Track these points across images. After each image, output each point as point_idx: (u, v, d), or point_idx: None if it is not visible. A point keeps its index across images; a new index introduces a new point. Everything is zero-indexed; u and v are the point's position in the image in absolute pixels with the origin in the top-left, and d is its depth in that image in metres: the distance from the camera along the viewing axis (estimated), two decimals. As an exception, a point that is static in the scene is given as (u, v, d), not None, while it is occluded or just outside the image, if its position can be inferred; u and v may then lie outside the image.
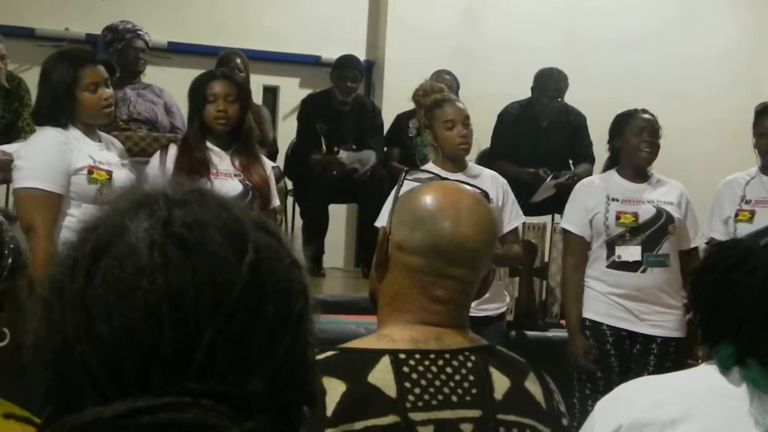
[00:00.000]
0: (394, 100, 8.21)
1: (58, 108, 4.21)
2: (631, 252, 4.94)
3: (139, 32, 6.58)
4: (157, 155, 4.82)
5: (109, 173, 4.21)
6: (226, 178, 4.60)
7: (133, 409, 0.89)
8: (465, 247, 1.79)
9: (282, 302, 0.98)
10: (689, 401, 2.14)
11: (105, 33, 6.66)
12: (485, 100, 7.79)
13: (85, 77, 4.23)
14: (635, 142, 5.05)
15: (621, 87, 8.83)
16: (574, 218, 5.13)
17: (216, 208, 1.00)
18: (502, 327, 5.08)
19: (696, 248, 5.06)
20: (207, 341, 0.93)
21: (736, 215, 5.16)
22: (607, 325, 4.96)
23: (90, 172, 4.17)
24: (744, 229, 5.08)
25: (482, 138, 7.44)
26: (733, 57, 9.57)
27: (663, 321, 4.96)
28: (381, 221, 4.81)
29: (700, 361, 4.81)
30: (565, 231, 5.21)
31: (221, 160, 4.67)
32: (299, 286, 1.01)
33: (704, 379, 2.18)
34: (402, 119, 7.46)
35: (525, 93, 7.20)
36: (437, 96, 4.99)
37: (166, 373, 0.92)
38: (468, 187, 1.92)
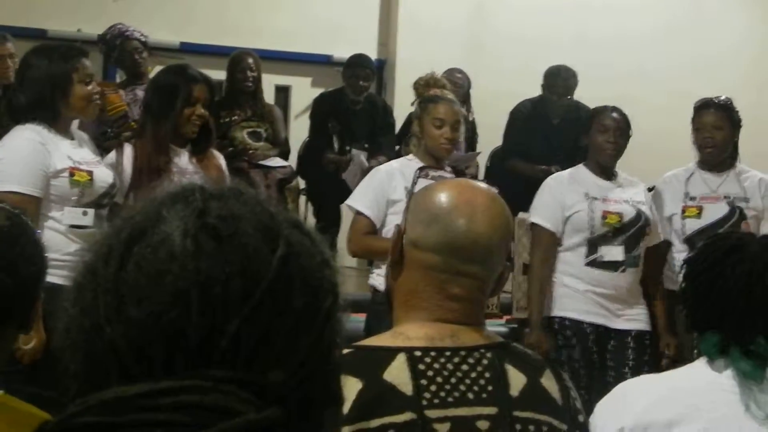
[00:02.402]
0: (406, 99, 8.18)
1: (55, 99, 4.04)
2: (614, 252, 4.92)
3: (126, 33, 6.56)
4: (112, 154, 4.60)
5: (90, 173, 4.06)
6: (186, 176, 4.51)
7: (156, 390, 0.91)
8: (480, 244, 1.80)
9: (310, 298, 0.99)
10: (687, 400, 2.15)
11: (100, 45, 6.67)
12: (495, 98, 7.80)
13: (81, 69, 4.10)
14: (600, 141, 5.04)
15: (629, 84, 8.81)
16: (546, 213, 5.04)
17: (252, 204, 1.02)
18: None
19: (658, 244, 5.11)
20: (233, 330, 0.94)
21: (683, 211, 5.15)
22: (588, 323, 4.92)
23: (71, 174, 4.01)
24: (693, 225, 5.11)
25: (493, 135, 7.47)
26: (740, 55, 9.55)
27: (635, 315, 4.96)
28: (353, 201, 4.80)
29: (668, 351, 4.91)
30: (534, 225, 5.10)
31: (180, 158, 4.57)
32: (328, 284, 1.02)
33: (700, 375, 2.19)
34: (414, 118, 7.46)
35: (536, 90, 7.20)
36: (437, 91, 4.95)
37: (191, 358, 0.94)
38: (482, 185, 1.93)
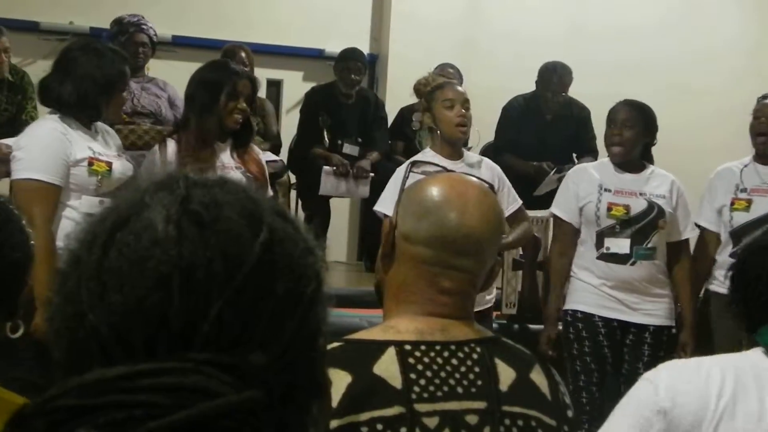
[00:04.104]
0: (398, 94, 8.20)
1: (96, 102, 4.18)
2: (620, 245, 4.90)
3: (142, 26, 6.56)
4: (156, 150, 4.73)
5: (109, 164, 4.19)
6: (229, 171, 4.58)
7: (136, 372, 0.91)
8: (471, 238, 1.80)
9: (293, 284, 1.00)
10: (736, 386, 2.15)
11: (112, 25, 6.68)
12: (489, 93, 7.79)
13: (125, 76, 4.27)
14: (606, 135, 5.07)
15: (625, 79, 8.81)
16: (563, 204, 5.10)
17: (235, 192, 1.02)
18: (488, 324, 5.00)
19: (686, 240, 5.09)
20: (215, 314, 0.94)
21: (732, 204, 5.11)
22: (599, 317, 4.93)
23: (90, 164, 4.13)
24: (741, 218, 5.07)
25: (486, 131, 7.47)
26: (737, 48, 9.55)
27: (654, 310, 4.94)
28: (381, 206, 4.81)
29: (683, 353, 4.91)
30: (554, 216, 5.18)
31: (222, 152, 4.65)
32: (312, 271, 1.03)
33: (751, 362, 2.20)
34: (406, 112, 7.46)
35: (529, 86, 7.19)
36: (439, 81, 5.01)
37: (173, 342, 0.94)
38: (474, 179, 1.93)
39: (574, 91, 7.12)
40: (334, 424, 1.66)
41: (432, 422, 1.71)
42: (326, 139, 7.28)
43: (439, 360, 1.77)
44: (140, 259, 0.95)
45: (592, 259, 4.97)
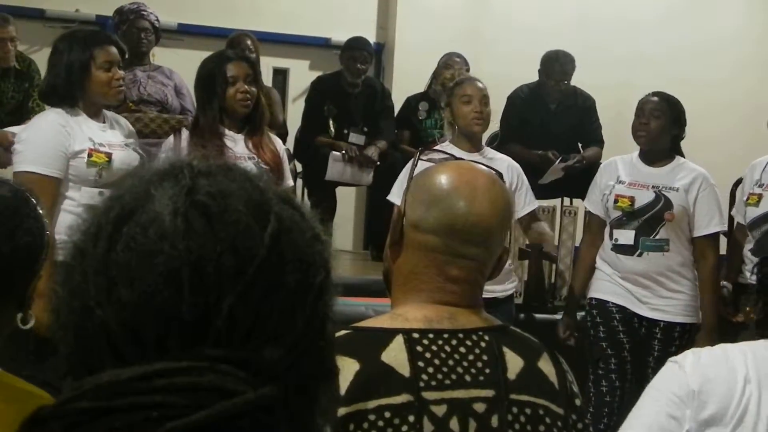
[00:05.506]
0: (404, 83, 8.21)
1: (71, 86, 4.17)
2: (626, 236, 4.96)
3: (143, 12, 6.54)
4: (170, 139, 4.76)
5: (108, 155, 4.17)
6: (242, 161, 4.56)
7: (150, 372, 0.90)
8: (480, 226, 1.79)
9: (302, 274, 0.99)
10: (759, 373, 2.15)
11: (114, 16, 6.67)
12: (495, 83, 7.74)
13: (99, 56, 4.22)
14: (634, 124, 5.08)
15: (630, 69, 8.81)
16: (591, 197, 5.23)
17: (241, 180, 1.01)
18: (509, 309, 5.04)
19: (714, 234, 5.01)
20: (226, 308, 0.93)
21: (747, 198, 5.09)
22: (613, 303, 5.00)
23: (89, 155, 4.13)
24: (751, 213, 5.06)
25: (492, 120, 7.46)
26: (742, 39, 9.53)
27: (665, 305, 4.96)
28: (393, 196, 4.83)
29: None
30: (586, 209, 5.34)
31: (235, 143, 4.62)
32: (320, 259, 1.02)
33: None
34: (412, 102, 7.46)
35: (534, 75, 7.18)
36: (461, 78, 5.12)
37: (185, 339, 0.93)
38: (483, 167, 1.92)
39: (579, 81, 7.09)
40: (341, 411, 1.66)
41: (440, 410, 1.71)
42: (332, 128, 7.27)
43: (447, 348, 1.76)
44: (148, 254, 0.94)
45: (607, 249, 5.06)
